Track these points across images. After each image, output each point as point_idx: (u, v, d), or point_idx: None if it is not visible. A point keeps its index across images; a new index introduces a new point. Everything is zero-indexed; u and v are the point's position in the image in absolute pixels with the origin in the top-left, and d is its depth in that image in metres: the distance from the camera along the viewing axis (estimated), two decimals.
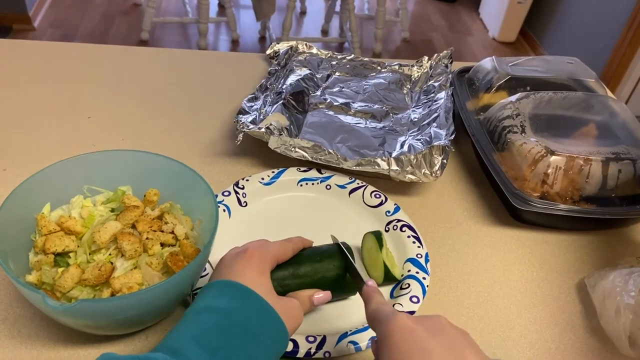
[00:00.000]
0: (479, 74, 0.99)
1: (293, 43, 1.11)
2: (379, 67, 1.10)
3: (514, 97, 0.87)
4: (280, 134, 0.81)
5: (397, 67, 1.09)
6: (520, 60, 1.00)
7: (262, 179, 0.79)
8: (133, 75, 1.06)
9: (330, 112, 0.96)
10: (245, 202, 0.77)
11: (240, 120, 0.83)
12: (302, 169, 0.81)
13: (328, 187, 0.80)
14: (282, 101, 0.91)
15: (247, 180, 0.78)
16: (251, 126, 0.81)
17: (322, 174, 0.81)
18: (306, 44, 1.13)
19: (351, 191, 0.80)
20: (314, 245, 0.63)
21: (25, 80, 1.00)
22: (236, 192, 0.77)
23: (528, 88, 0.93)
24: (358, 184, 0.80)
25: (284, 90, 0.95)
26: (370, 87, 1.04)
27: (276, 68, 1.04)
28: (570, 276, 0.74)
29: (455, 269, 0.73)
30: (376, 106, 0.98)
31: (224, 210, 0.74)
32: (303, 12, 3.56)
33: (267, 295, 0.51)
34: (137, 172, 0.67)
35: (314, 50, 1.12)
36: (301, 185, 0.81)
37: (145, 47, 1.19)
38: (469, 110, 0.93)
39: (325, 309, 0.64)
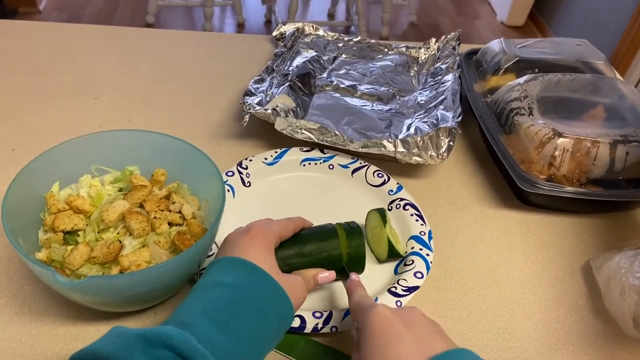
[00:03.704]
0: (487, 56, 0.98)
1: (299, 24, 1.11)
2: (385, 50, 1.09)
3: (521, 79, 0.86)
4: (287, 116, 0.81)
5: (404, 49, 1.09)
6: (528, 42, 0.99)
7: (265, 159, 0.80)
8: (140, 56, 1.06)
9: (337, 95, 0.95)
10: (249, 182, 0.77)
11: (247, 102, 0.83)
12: (305, 148, 0.82)
13: (331, 166, 0.81)
14: (288, 83, 0.91)
15: (251, 160, 0.79)
16: (257, 107, 0.81)
17: (324, 153, 0.81)
18: (312, 26, 1.12)
19: (354, 171, 0.80)
20: (317, 225, 0.64)
21: (32, 62, 1.00)
22: (240, 172, 0.77)
23: (536, 70, 0.92)
24: (361, 163, 0.81)
25: (290, 72, 0.94)
26: (376, 69, 1.03)
27: (282, 50, 1.03)
28: (575, 258, 0.74)
29: (460, 250, 0.73)
30: (383, 88, 0.98)
31: (228, 190, 0.74)
32: None
33: (272, 272, 0.51)
34: (145, 152, 0.67)
35: (321, 32, 1.11)
36: (304, 165, 0.81)
37: (152, 29, 1.19)
38: (476, 92, 0.93)
39: (331, 286, 0.65)
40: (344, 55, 1.07)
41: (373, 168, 0.80)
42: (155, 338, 0.41)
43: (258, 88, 0.90)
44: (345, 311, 0.61)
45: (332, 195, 0.78)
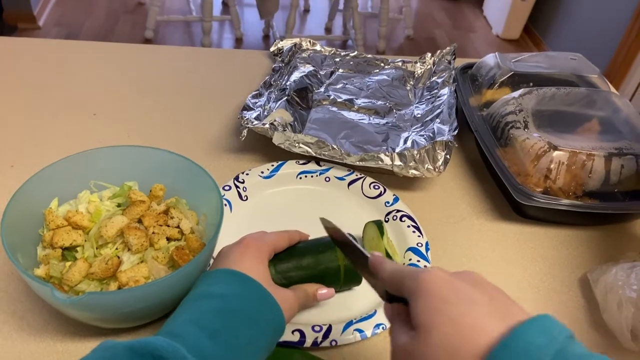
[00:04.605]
0: (482, 70, 0.99)
1: (297, 40, 1.12)
2: (382, 64, 1.10)
3: (516, 93, 0.87)
4: (284, 130, 0.82)
5: (400, 63, 1.10)
6: (523, 57, 1.00)
7: (262, 172, 0.80)
8: (138, 72, 1.06)
9: (334, 109, 0.96)
10: (245, 196, 0.78)
11: (245, 117, 0.83)
12: (301, 161, 0.82)
13: (327, 179, 0.81)
14: (286, 97, 0.92)
15: (247, 174, 0.79)
16: (255, 122, 0.82)
17: (320, 166, 0.82)
18: (310, 41, 1.13)
19: (350, 183, 0.81)
20: (314, 237, 0.64)
21: (32, 78, 1.01)
22: (236, 187, 0.77)
23: (531, 84, 0.93)
24: (357, 175, 0.81)
25: (288, 87, 0.95)
26: (373, 83, 1.04)
27: (280, 65, 1.04)
28: (572, 271, 0.74)
29: (459, 263, 0.73)
30: (379, 102, 0.99)
31: (225, 205, 0.74)
32: (307, 10, 3.56)
33: (264, 282, 0.51)
34: (143, 168, 0.68)
35: (318, 47, 1.12)
36: (300, 178, 0.81)
37: (150, 45, 1.20)
38: (472, 106, 0.93)
39: (330, 299, 0.65)
40: (340, 70, 1.08)
41: (369, 180, 0.80)
42: (143, 349, 0.41)
43: (256, 103, 0.91)
44: (345, 324, 0.61)
45: (329, 207, 0.79)
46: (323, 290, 0.58)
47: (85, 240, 0.61)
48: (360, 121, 0.93)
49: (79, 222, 0.61)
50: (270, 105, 0.91)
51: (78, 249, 0.60)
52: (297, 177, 0.81)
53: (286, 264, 0.59)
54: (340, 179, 0.81)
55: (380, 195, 0.79)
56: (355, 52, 1.12)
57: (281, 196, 0.80)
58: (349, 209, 0.78)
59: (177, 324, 0.46)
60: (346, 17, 3.17)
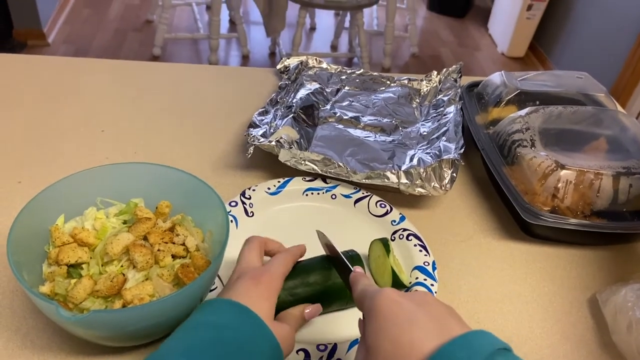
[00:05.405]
0: (488, 88, 0.99)
1: (303, 58, 1.13)
2: (388, 82, 1.10)
3: (523, 111, 0.87)
4: (290, 147, 0.82)
5: (406, 81, 1.10)
6: (529, 75, 1.00)
7: (268, 188, 0.80)
8: (146, 89, 1.07)
9: (340, 126, 0.96)
10: (252, 212, 0.77)
11: (251, 134, 0.84)
12: (308, 178, 0.82)
13: (333, 196, 0.81)
14: (292, 115, 0.92)
15: (254, 190, 0.79)
16: (262, 139, 0.82)
17: (327, 183, 0.82)
18: (316, 59, 1.14)
19: (356, 200, 0.80)
20: (319, 254, 0.64)
21: (40, 95, 1.02)
22: (243, 202, 0.77)
23: (537, 102, 0.93)
24: (363, 193, 0.81)
25: (294, 104, 0.95)
26: (379, 101, 1.04)
27: (286, 82, 1.05)
28: (582, 291, 0.73)
29: (465, 282, 0.73)
30: (385, 120, 0.99)
31: (231, 221, 0.74)
32: (313, 28, 3.59)
33: (266, 319, 0.50)
34: (149, 185, 0.68)
35: (324, 65, 1.13)
36: (307, 195, 0.81)
37: (158, 62, 1.21)
38: (478, 124, 0.93)
39: (336, 316, 0.65)
40: (347, 88, 1.08)
41: (375, 198, 0.80)
42: None
43: (262, 120, 0.91)
44: (350, 342, 0.60)
45: (335, 225, 0.78)
46: (308, 309, 0.58)
47: (91, 258, 0.61)
48: (366, 139, 0.93)
49: (85, 239, 0.61)
50: (276, 123, 0.91)
51: (83, 266, 0.60)
52: (303, 194, 0.81)
53: (293, 281, 0.59)
54: (347, 196, 0.81)
55: (386, 213, 0.78)
56: (362, 70, 1.12)
57: (287, 213, 0.79)
58: (355, 226, 0.78)
59: (167, 353, 0.46)
60: (352, 34, 3.20)
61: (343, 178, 0.80)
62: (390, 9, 2.94)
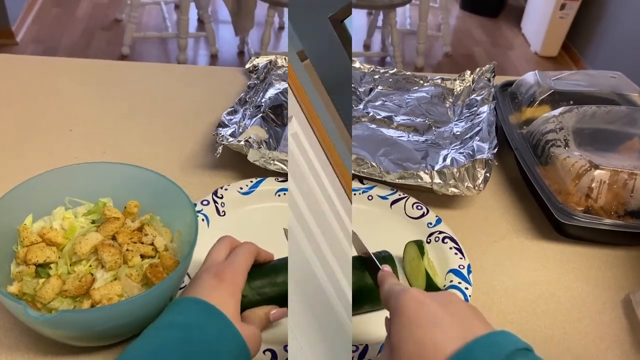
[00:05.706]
0: (522, 88, 0.99)
1: (272, 57, 1.11)
2: (421, 81, 1.11)
3: (557, 111, 0.87)
4: (260, 147, 0.82)
5: (439, 81, 1.11)
6: (563, 75, 1.00)
7: (241, 188, 0.80)
8: (114, 89, 1.07)
9: (373, 126, 0.97)
10: (223, 211, 0.78)
11: (220, 133, 0.83)
12: (280, 179, 0.82)
13: (370, 197, 0.81)
14: (261, 114, 0.92)
15: (226, 189, 0.79)
16: (230, 139, 0.82)
17: (363, 184, 0.83)
18: (285, 58, 1.12)
19: (393, 202, 0.81)
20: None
21: (7, 94, 1.01)
22: (215, 202, 0.78)
23: (571, 102, 0.93)
24: (400, 195, 0.81)
25: (263, 104, 0.96)
26: (412, 100, 1.05)
27: (255, 82, 1.04)
28: (616, 291, 0.73)
29: (499, 282, 0.73)
30: (419, 119, 1.00)
31: (203, 220, 0.74)
32: (281, 27, 3.50)
33: (233, 318, 0.51)
34: (118, 184, 0.68)
35: (357, 65, 1.14)
36: (279, 195, 0.81)
37: (126, 62, 1.22)
38: (512, 124, 0.93)
39: (367, 317, 0.65)
40: (379, 87, 1.09)
41: (412, 200, 0.80)
42: None
43: (231, 119, 0.91)
44: (382, 344, 0.60)
45: (370, 226, 0.77)
46: (274, 311, 0.59)
47: (59, 257, 0.60)
48: (399, 138, 0.94)
49: (53, 238, 0.60)
50: (245, 122, 0.91)
51: (52, 265, 0.60)
52: (275, 194, 0.81)
53: (260, 281, 0.60)
54: (384, 197, 0.81)
55: (422, 215, 0.78)
56: (394, 69, 1.13)
57: (259, 213, 0.79)
58: (391, 228, 0.78)
59: (136, 355, 0.46)
60: (385, 34, 3.19)
61: (376, 178, 0.81)
62: (423, 8, 2.93)
